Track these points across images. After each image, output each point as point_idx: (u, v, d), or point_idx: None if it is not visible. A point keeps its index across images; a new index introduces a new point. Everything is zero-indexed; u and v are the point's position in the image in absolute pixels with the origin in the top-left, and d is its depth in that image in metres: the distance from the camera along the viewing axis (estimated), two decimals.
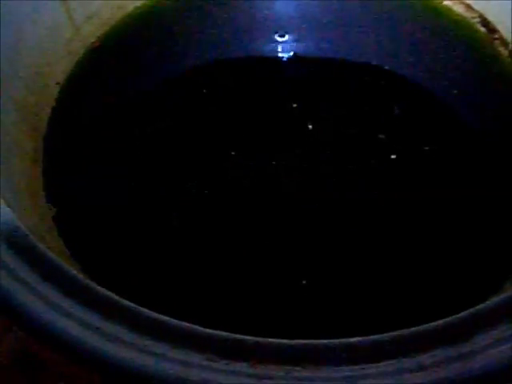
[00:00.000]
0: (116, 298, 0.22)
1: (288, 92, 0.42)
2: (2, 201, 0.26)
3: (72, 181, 0.36)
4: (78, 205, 0.35)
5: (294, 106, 0.40)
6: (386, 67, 0.41)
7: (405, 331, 0.21)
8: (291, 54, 0.43)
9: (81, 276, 0.23)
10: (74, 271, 0.23)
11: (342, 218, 0.34)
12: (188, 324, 0.21)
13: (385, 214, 0.35)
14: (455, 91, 0.40)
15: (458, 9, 0.42)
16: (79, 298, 0.22)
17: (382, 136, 0.38)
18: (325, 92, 0.41)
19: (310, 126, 0.39)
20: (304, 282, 0.31)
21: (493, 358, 0.20)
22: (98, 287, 0.22)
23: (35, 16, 0.37)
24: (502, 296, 0.22)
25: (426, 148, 0.37)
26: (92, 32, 0.42)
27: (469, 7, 0.42)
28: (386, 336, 0.21)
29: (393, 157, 0.37)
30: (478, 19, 0.42)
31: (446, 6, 0.43)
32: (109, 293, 0.22)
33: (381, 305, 0.31)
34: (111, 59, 0.42)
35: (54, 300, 0.22)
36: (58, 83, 0.39)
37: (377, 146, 0.38)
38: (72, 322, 0.21)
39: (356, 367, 0.20)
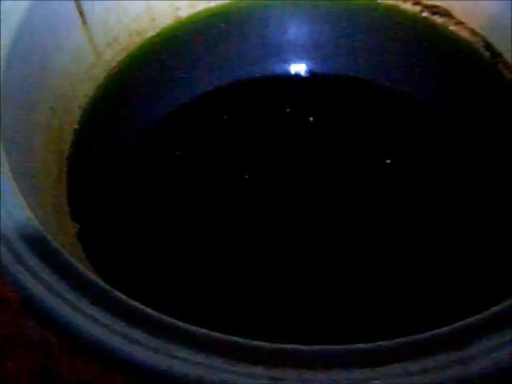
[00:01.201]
0: (140, 306, 0.24)
1: (301, 108, 0.43)
2: (29, 211, 0.27)
3: (94, 199, 0.37)
4: (101, 222, 0.36)
5: (309, 120, 0.42)
6: (394, 88, 0.43)
7: (410, 338, 0.23)
8: (306, 74, 0.45)
9: (107, 286, 0.24)
10: (100, 281, 0.25)
11: (352, 226, 0.36)
12: (208, 331, 0.23)
13: (394, 218, 0.36)
14: (459, 113, 0.41)
15: (464, 34, 0.44)
16: (105, 305, 0.23)
17: (388, 160, 0.40)
18: (336, 109, 0.43)
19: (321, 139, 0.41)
20: (313, 284, 0.33)
21: (491, 362, 0.21)
22: (124, 296, 0.24)
23: (60, 43, 0.39)
24: (502, 305, 0.24)
25: (428, 166, 0.39)
26: (112, 57, 0.44)
27: (473, 32, 0.44)
28: (392, 342, 0.22)
29: (395, 177, 0.39)
30: (482, 43, 0.43)
31: (451, 30, 0.44)
32: (133, 302, 0.24)
33: (389, 311, 0.32)
34: (131, 83, 0.44)
35: (81, 307, 0.23)
36: (80, 107, 0.41)
37: (382, 166, 0.39)
38: (99, 327, 0.23)
39: (365, 370, 0.21)
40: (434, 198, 0.38)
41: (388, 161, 0.40)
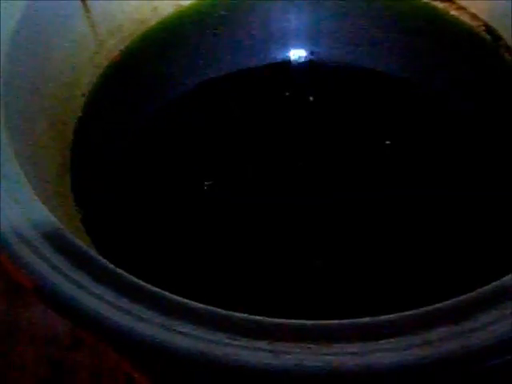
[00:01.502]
0: (144, 284, 0.24)
1: (304, 96, 0.43)
2: (34, 195, 0.28)
3: (98, 185, 0.38)
4: (105, 208, 0.37)
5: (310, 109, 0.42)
6: (394, 74, 0.43)
7: (412, 312, 0.23)
8: (306, 61, 0.45)
9: (111, 265, 0.25)
10: (105, 261, 0.25)
11: (351, 213, 0.37)
12: (210, 307, 0.23)
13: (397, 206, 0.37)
14: (460, 97, 0.42)
15: (464, 18, 0.44)
16: (110, 284, 0.24)
17: (387, 142, 0.40)
18: (339, 96, 0.43)
19: (323, 131, 0.41)
20: (317, 264, 0.33)
21: (491, 335, 0.22)
22: (128, 274, 0.24)
23: (62, 31, 0.39)
24: (502, 280, 0.24)
25: (430, 152, 0.39)
26: (115, 46, 0.44)
27: (474, 16, 0.44)
28: (394, 316, 0.23)
29: (396, 161, 0.39)
30: (483, 27, 0.43)
31: (452, 15, 0.45)
32: (137, 279, 0.24)
33: (391, 287, 0.33)
34: (133, 72, 0.44)
35: (87, 285, 0.24)
36: (83, 94, 0.41)
37: (383, 150, 0.40)
38: (105, 305, 0.23)
39: (367, 343, 0.22)
40: (434, 179, 0.38)
41: (388, 143, 0.40)
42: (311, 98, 0.43)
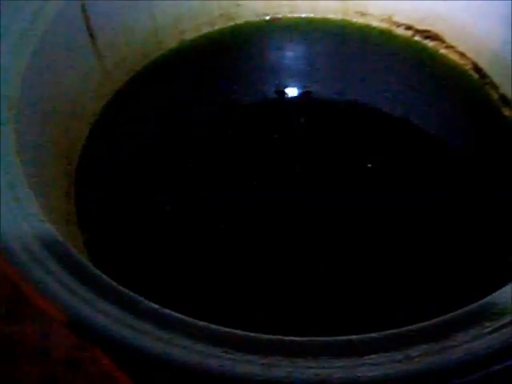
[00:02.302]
0: (146, 301, 0.26)
1: (300, 132, 0.45)
2: (44, 218, 0.29)
3: (101, 209, 0.39)
4: (107, 232, 0.38)
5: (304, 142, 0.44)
6: (385, 110, 0.45)
7: (395, 330, 0.25)
8: (301, 97, 0.47)
9: (115, 283, 0.26)
10: (109, 279, 0.27)
11: (344, 230, 0.38)
12: (207, 323, 0.25)
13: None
14: (448, 132, 0.44)
15: (453, 56, 0.47)
16: (114, 300, 0.25)
17: (369, 165, 0.42)
18: (334, 133, 0.45)
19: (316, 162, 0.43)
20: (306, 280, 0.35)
21: (469, 351, 0.23)
22: (131, 292, 0.26)
23: (71, 63, 0.41)
24: (479, 303, 0.26)
25: (418, 189, 0.41)
26: (120, 77, 0.46)
27: (462, 55, 0.46)
28: (378, 334, 0.24)
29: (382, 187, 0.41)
30: (470, 66, 0.46)
31: (441, 53, 0.47)
32: (140, 297, 0.26)
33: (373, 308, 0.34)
34: (137, 103, 0.46)
35: (92, 301, 0.25)
36: (89, 123, 0.43)
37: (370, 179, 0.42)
38: (110, 320, 0.25)
39: (352, 358, 0.23)
40: (425, 213, 0.39)
41: (370, 166, 0.42)
42: (305, 132, 0.45)
